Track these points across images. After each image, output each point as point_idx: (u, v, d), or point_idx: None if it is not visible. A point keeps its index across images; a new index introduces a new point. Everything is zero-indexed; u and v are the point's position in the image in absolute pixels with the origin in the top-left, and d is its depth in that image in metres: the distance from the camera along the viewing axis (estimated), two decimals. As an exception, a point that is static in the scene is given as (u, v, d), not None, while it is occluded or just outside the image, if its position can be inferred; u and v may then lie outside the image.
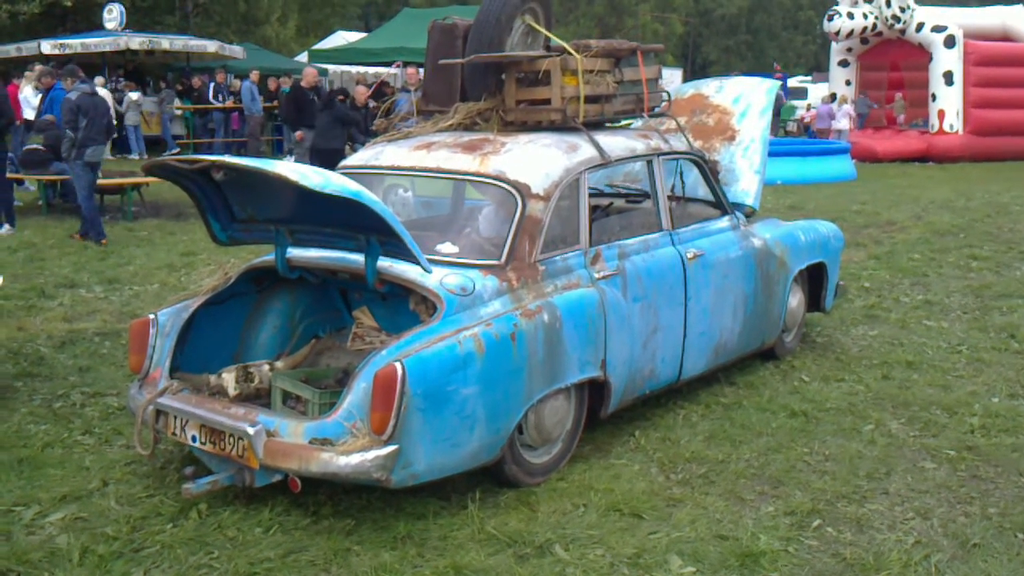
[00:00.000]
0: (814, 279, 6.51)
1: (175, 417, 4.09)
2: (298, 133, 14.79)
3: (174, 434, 4.12)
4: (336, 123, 12.92)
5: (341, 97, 14.38)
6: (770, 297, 5.85)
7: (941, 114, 22.22)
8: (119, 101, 20.26)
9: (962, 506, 4.19)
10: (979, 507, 4.17)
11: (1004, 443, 4.87)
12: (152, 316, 4.50)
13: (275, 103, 21.55)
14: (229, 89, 22.26)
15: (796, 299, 6.30)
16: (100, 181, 12.50)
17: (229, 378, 4.33)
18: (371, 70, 24.60)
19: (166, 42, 21.88)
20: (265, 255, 4.63)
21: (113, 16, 21.26)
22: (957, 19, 22.62)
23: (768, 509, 4.13)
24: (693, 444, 4.81)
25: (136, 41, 21.14)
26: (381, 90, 17.14)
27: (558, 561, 3.66)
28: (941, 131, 22.25)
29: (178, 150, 20.90)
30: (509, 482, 4.26)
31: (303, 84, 15.41)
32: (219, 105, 22.02)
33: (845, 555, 3.73)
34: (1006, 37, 23.77)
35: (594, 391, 4.63)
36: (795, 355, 6.33)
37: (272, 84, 22.35)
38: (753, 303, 5.67)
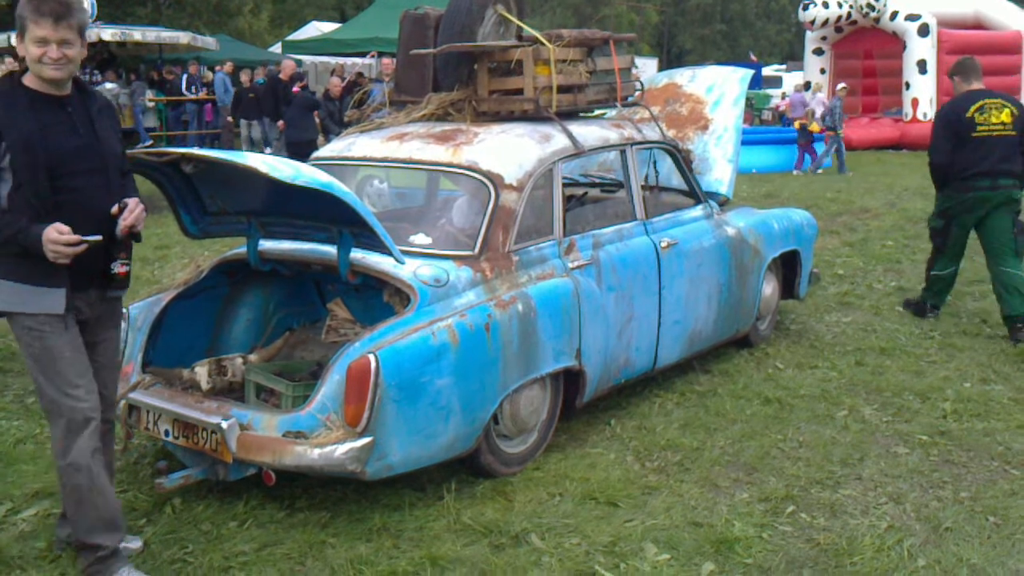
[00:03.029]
0: (788, 267, 6.54)
1: (148, 412, 4.06)
2: (280, 123, 14.88)
3: (147, 429, 4.09)
4: (304, 112, 12.83)
5: (302, 83, 14.32)
6: (744, 285, 5.87)
7: (915, 102, 22.34)
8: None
9: (934, 490, 4.23)
10: (951, 491, 4.21)
11: (976, 428, 4.91)
12: (124, 310, 4.46)
13: (251, 96, 21.42)
14: (202, 81, 22.08)
15: (770, 287, 6.33)
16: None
17: (202, 372, 4.31)
18: (347, 61, 24.46)
19: (138, 33, 21.60)
20: (237, 248, 4.60)
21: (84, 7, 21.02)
22: (930, 7, 22.75)
23: (742, 496, 4.15)
24: (668, 432, 4.83)
25: (108, 32, 20.89)
26: (355, 81, 17.10)
27: (534, 550, 3.67)
28: (915, 119, 22.37)
29: (151, 142, 20.72)
30: (485, 472, 4.27)
31: (281, 76, 15.35)
32: (192, 97, 21.83)
33: (819, 540, 3.76)
34: (979, 25, 23.92)
35: (569, 380, 4.64)
36: (769, 343, 6.36)
37: (245, 76, 22.20)
38: (727, 291, 5.69)
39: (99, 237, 3.20)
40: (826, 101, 23.68)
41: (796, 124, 18.34)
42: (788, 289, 6.63)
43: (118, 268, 3.30)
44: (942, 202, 6.70)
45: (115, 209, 3.25)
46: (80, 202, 3.23)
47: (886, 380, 5.63)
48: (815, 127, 17.84)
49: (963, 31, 23.08)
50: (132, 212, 3.24)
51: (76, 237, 3.13)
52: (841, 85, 19.05)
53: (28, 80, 3.25)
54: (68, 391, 3.27)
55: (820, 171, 17.22)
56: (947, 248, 6.77)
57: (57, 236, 3.12)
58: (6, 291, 3.27)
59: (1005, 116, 6.44)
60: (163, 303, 4.47)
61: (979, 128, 6.42)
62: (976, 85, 6.65)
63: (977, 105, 6.47)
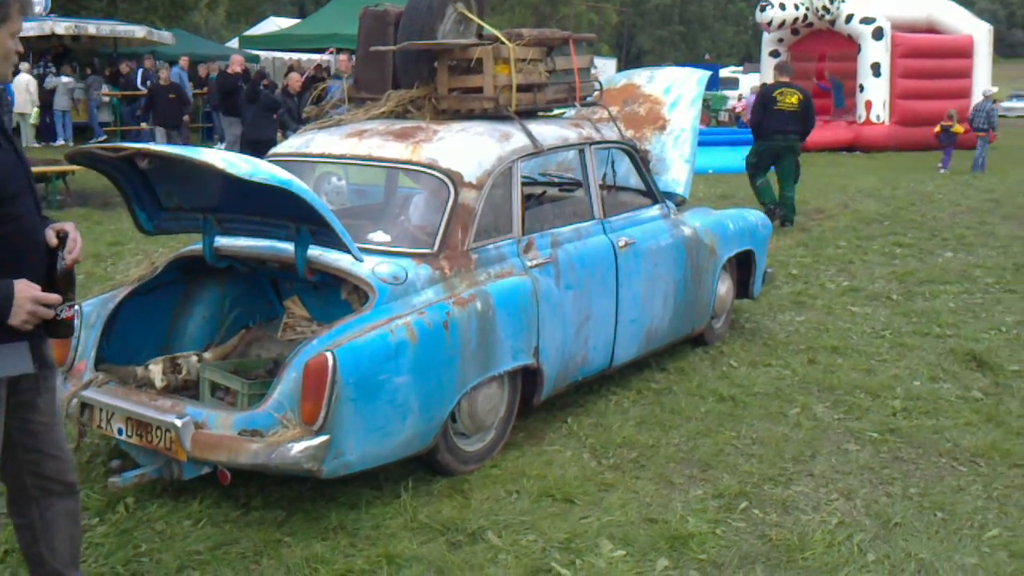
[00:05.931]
0: (743, 266, 6.62)
1: (100, 410, 4.01)
2: (142, 124, 14.80)
3: (100, 427, 4.04)
4: (265, 112, 12.77)
5: (266, 82, 14.20)
6: (700, 284, 5.93)
7: (868, 105, 22.67)
8: (42, 82, 19.85)
9: (884, 487, 4.30)
10: (900, 487, 4.29)
11: (925, 425, 5.01)
12: (77, 307, 4.40)
13: (204, 90, 21.24)
14: (158, 75, 21.82)
15: (725, 286, 6.40)
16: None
17: (156, 370, 4.27)
18: (304, 57, 24.31)
19: (93, 27, 21.36)
20: (193, 244, 4.56)
21: (38, 0, 20.68)
22: (885, 11, 23.09)
23: (697, 492, 4.20)
24: (624, 429, 4.87)
25: (62, 26, 20.61)
26: (316, 75, 16.98)
27: (491, 547, 3.68)
28: (868, 121, 22.71)
29: (105, 137, 20.44)
30: (442, 470, 4.27)
31: (229, 71, 15.24)
32: (147, 92, 21.57)
33: (771, 536, 3.82)
34: (932, 29, 24.32)
35: (527, 378, 4.66)
36: (724, 341, 6.43)
37: (202, 71, 22.00)
38: (683, 290, 5.74)
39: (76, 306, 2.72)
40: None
41: (937, 127, 18.96)
42: (743, 288, 6.70)
43: (66, 312, 2.64)
44: (756, 147, 11.11)
45: (54, 239, 2.67)
46: (23, 234, 2.62)
47: (838, 378, 5.72)
48: (958, 128, 18.38)
49: (916, 35, 23.45)
50: (76, 243, 2.69)
51: (56, 297, 2.60)
52: (993, 90, 19.62)
53: None
54: None
55: (974, 169, 18.14)
56: (758, 171, 11.12)
57: (37, 294, 2.56)
58: None
59: (794, 99, 10.74)
60: (117, 300, 4.41)
61: (778, 104, 10.72)
62: (784, 78, 11.14)
63: (780, 90, 10.84)
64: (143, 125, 16.31)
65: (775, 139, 10.85)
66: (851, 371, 5.87)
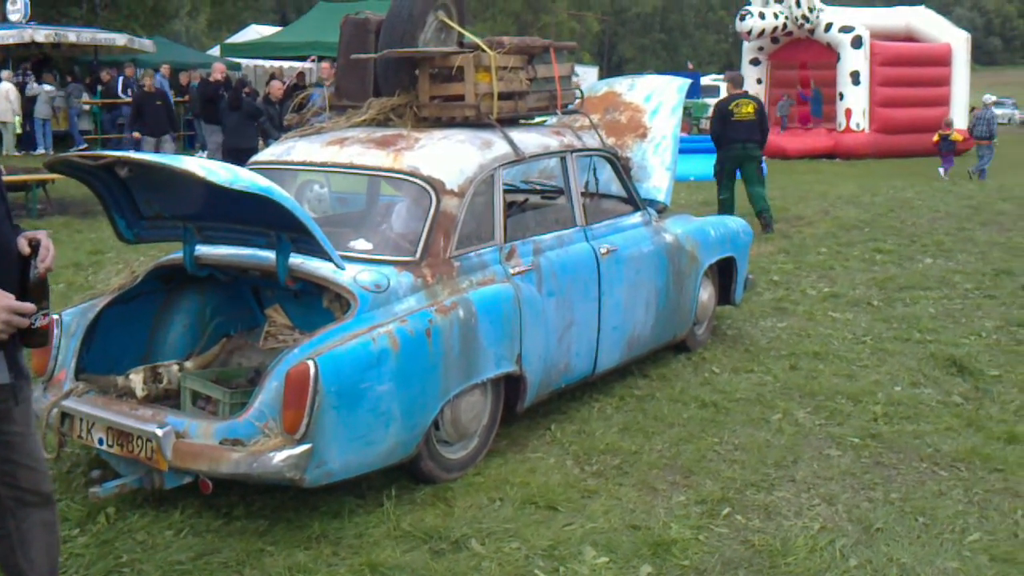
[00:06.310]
0: (724, 273, 6.64)
1: (81, 419, 3.99)
2: (135, 134, 14.55)
3: (80, 437, 4.01)
4: (247, 120, 12.73)
5: (247, 89, 14.15)
6: (681, 291, 5.95)
7: (848, 112, 22.84)
8: (22, 90, 19.72)
9: (866, 492, 4.32)
10: (882, 492, 4.31)
11: (906, 430, 5.03)
12: (56, 316, 4.37)
13: (186, 98, 21.17)
14: (139, 83, 21.74)
15: (707, 292, 6.42)
16: (4, 178, 12.10)
17: (137, 379, 4.24)
18: (286, 64, 24.27)
19: (73, 35, 21.28)
20: (173, 253, 4.54)
21: (17, 8, 20.58)
22: (863, 20, 23.29)
23: (679, 498, 4.20)
24: (607, 436, 4.88)
25: (42, 34, 20.52)
26: (297, 83, 16.95)
27: (474, 555, 3.68)
28: (848, 129, 22.88)
29: (85, 146, 20.34)
30: (425, 478, 4.26)
31: (210, 79, 15.20)
32: (128, 99, 21.47)
33: (754, 542, 3.83)
34: (910, 37, 24.54)
35: (510, 386, 4.66)
36: (706, 347, 6.45)
37: (183, 79, 21.95)
38: (665, 297, 5.76)
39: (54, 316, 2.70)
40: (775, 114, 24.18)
41: (935, 136, 19.30)
42: (724, 295, 6.72)
43: (40, 321, 2.60)
44: (718, 156, 11.48)
45: (26, 248, 2.64)
46: None
47: (819, 384, 5.74)
48: (956, 136, 18.76)
49: (895, 43, 23.66)
50: (49, 251, 2.65)
51: (31, 306, 2.56)
52: (992, 98, 19.86)
53: None
54: None
55: (981, 178, 18.45)
56: (723, 182, 11.44)
57: (11, 303, 2.51)
58: None
59: (750, 109, 11.22)
60: (97, 309, 4.39)
61: (735, 115, 11.20)
62: (738, 90, 11.66)
63: (736, 102, 11.26)
64: (136, 135, 15.50)
65: (735, 149, 11.28)
66: (832, 377, 5.90)
